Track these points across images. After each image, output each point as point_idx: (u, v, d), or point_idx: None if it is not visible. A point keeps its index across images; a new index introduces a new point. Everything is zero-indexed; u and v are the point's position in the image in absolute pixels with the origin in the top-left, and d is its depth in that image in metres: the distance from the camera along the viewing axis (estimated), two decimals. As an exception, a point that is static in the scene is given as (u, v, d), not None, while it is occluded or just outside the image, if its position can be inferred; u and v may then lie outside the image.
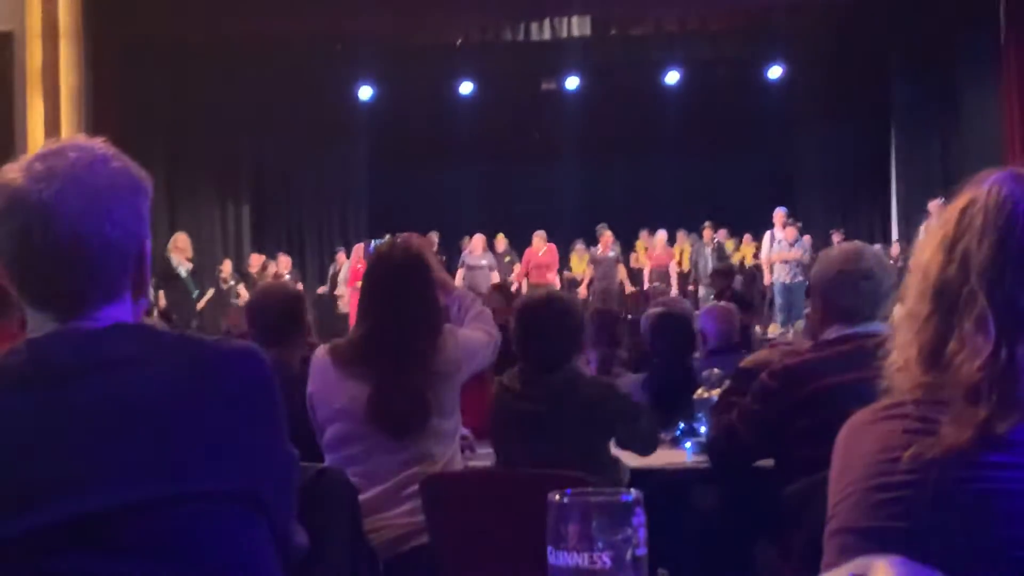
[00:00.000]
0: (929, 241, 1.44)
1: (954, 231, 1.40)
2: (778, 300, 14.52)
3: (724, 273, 12.63)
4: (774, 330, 13.27)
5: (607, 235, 16.10)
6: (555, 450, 3.43)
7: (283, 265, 16.11)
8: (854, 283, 3.22)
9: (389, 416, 3.30)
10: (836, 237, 14.90)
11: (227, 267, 15.52)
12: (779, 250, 14.74)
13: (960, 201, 1.43)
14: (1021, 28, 13.06)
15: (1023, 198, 1.38)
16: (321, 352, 3.48)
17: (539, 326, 3.61)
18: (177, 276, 13.60)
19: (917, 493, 1.31)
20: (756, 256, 15.66)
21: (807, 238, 15.12)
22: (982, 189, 1.41)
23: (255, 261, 16.11)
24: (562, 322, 3.63)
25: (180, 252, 13.72)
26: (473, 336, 3.52)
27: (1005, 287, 1.35)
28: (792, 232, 14.79)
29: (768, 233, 15.12)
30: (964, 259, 1.38)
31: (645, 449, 3.82)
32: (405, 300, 3.38)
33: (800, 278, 14.26)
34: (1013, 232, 1.37)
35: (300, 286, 14.34)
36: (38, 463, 1.44)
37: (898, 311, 1.48)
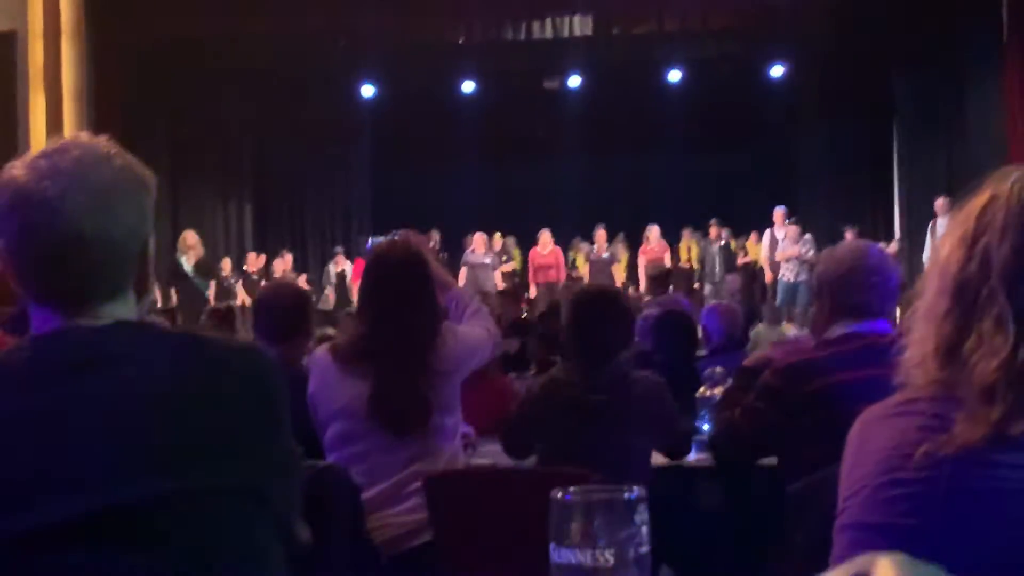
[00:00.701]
0: (949, 236, 1.42)
1: (975, 228, 1.38)
2: (780, 298, 14.53)
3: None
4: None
5: (600, 235, 16.12)
6: (610, 442, 3.43)
7: (285, 263, 16.15)
8: (864, 280, 3.21)
9: (390, 414, 3.31)
10: (849, 234, 14.94)
11: (227, 265, 15.56)
12: (783, 248, 14.77)
13: (982, 197, 1.41)
14: (1023, 25, 13.04)
15: None
16: (321, 351, 3.48)
17: (596, 319, 3.62)
18: (187, 275, 13.60)
19: (929, 490, 1.31)
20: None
21: (809, 236, 15.12)
22: (1004, 185, 1.39)
23: (252, 260, 16.12)
24: (617, 315, 3.65)
25: (191, 250, 13.73)
26: (472, 333, 3.52)
27: None
28: (794, 230, 14.81)
29: (768, 232, 15.16)
30: (984, 257, 1.36)
31: (682, 451, 3.82)
32: (404, 298, 3.38)
33: (804, 276, 14.29)
34: None
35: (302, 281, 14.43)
36: (42, 460, 1.44)
37: (901, 309, 1.48)
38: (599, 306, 3.66)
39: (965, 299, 1.37)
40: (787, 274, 14.62)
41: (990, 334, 1.33)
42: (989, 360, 1.32)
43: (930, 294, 1.42)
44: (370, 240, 4.01)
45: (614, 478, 3.11)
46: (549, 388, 3.66)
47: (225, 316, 9.04)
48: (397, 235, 3.84)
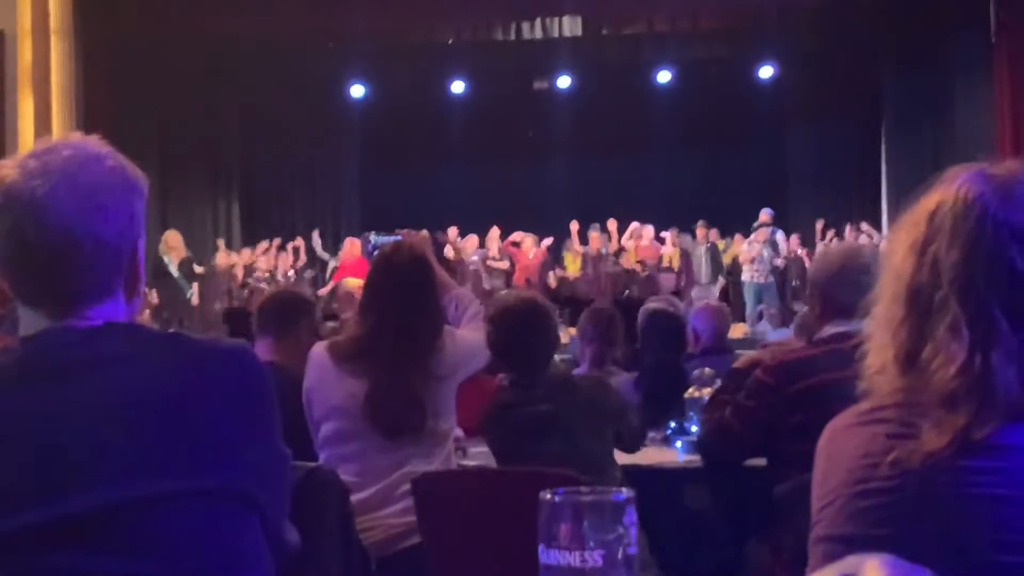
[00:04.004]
0: (900, 243, 1.42)
1: (924, 234, 1.39)
2: (750, 299, 14.72)
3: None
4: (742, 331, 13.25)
5: (594, 236, 16.16)
6: (567, 448, 3.42)
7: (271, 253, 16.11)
8: (854, 279, 3.22)
9: (385, 415, 3.31)
10: (818, 225, 15.23)
11: (222, 255, 15.54)
12: (748, 250, 15.05)
13: (929, 202, 1.41)
14: (1012, 27, 13.09)
15: (992, 199, 1.36)
16: (319, 348, 3.48)
17: (524, 327, 3.59)
18: (169, 275, 13.58)
19: (900, 499, 1.31)
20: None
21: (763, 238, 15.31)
22: (951, 190, 1.39)
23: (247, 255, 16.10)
24: (543, 322, 3.63)
25: (172, 251, 13.70)
26: (471, 338, 3.53)
27: (977, 293, 1.33)
28: (763, 232, 15.05)
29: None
30: (935, 264, 1.36)
31: (633, 446, 3.81)
32: (408, 301, 3.39)
33: (770, 278, 14.60)
34: (983, 236, 1.34)
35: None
36: (31, 462, 1.43)
37: (871, 315, 1.47)
38: (525, 316, 3.63)
39: (919, 307, 1.37)
40: (754, 275, 14.83)
41: (946, 342, 1.34)
42: (947, 368, 1.33)
43: (886, 301, 1.43)
44: (372, 238, 4.00)
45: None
46: (496, 407, 3.66)
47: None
48: (400, 235, 3.86)
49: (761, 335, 11.45)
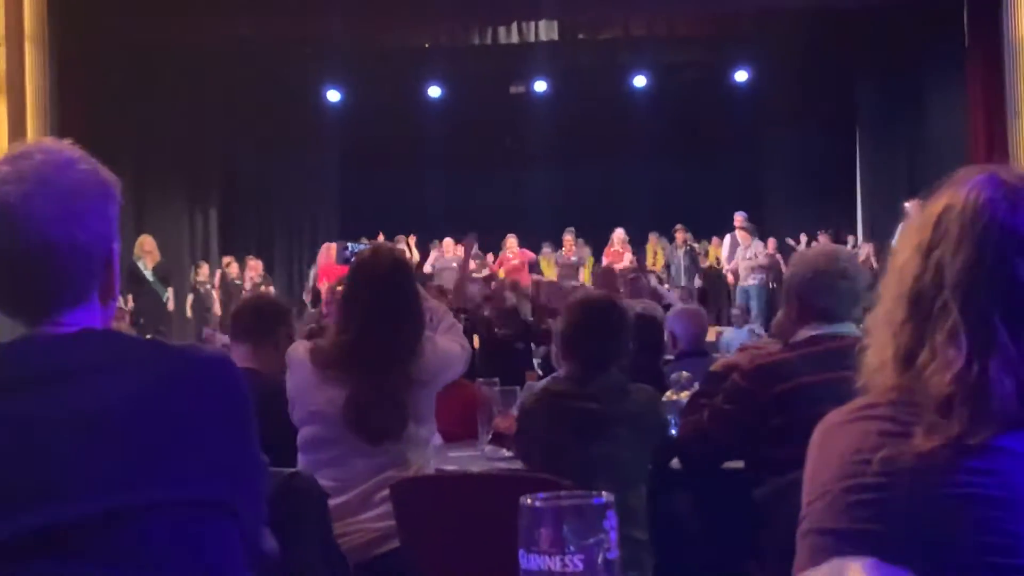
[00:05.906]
0: (906, 243, 1.42)
1: (931, 237, 1.38)
2: (739, 302, 14.77)
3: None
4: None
5: (568, 239, 16.20)
6: (605, 452, 3.41)
7: (254, 270, 16.02)
8: (832, 283, 3.23)
9: (366, 421, 3.31)
10: (802, 238, 15.24)
11: (204, 271, 15.44)
12: (740, 254, 15.13)
13: (938, 204, 1.40)
14: (985, 35, 13.16)
15: (1001, 206, 1.35)
16: (301, 352, 3.47)
17: (593, 325, 3.58)
18: (144, 280, 13.49)
19: (890, 496, 1.31)
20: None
21: (763, 241, 15.39)
22: (960, 194, 1.38)
23: (223, 266, 16.02)
24: (612, 325, 3.61)
25: (147, 255, 13.62)
26: (449, 346, 3.54)
27: (978, 301, 1.33)
28: (746, 236, 15.11)
29: (729, 236, 15.41)
30: (939, 269, 1.36)
31: (666, 460, 3.77)
32: (389, 307, 3.39)
33: (758, 281, 14.70)
34: (988, 245, 1.34)
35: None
36: (7, 471, 1.42)
37: (873, 312, 1.47)
38: (597, 315, 3.63)
39: (921, 309, 1.37)
40: (746, 279, 14.98)
41: (944, 347, 1.33)
42: (943, 373, 1.32)
43: (888, 300, 1.42)
44: (348, 246, 3.99)
45: (608, 488, 3.07)
46: (542, 397, 3.64)
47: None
48: (371, 243, 3.86)
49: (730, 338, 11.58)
